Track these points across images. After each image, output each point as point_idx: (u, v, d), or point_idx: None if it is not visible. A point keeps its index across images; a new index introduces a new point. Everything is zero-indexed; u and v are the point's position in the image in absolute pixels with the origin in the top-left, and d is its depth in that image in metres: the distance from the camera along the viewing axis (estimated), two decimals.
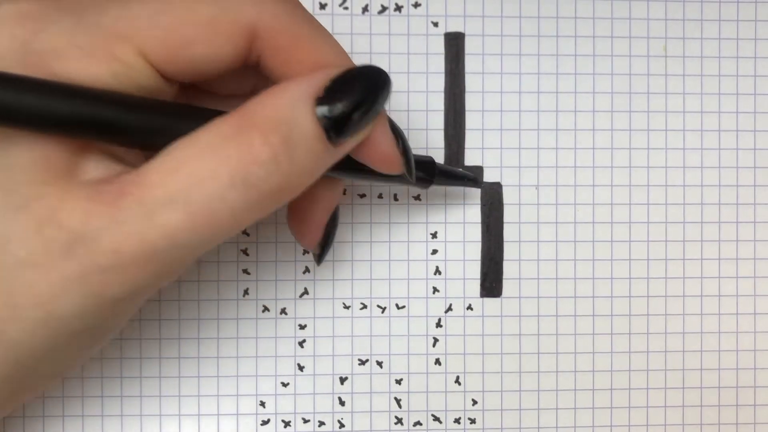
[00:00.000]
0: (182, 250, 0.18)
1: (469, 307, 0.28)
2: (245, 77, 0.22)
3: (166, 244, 0.17)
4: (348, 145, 0.19)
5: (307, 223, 0.23)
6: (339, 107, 0.18)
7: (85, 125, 0.17)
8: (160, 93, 0.19)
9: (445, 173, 0.25)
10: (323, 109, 0.18)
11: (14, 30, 0.17)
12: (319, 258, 0.25)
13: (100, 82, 0.18)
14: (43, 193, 0.17)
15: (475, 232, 0.28)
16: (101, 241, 0.17)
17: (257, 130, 0.17)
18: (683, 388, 0.29)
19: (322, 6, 0.28)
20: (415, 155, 0.23)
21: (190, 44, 0.18)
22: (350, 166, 0.21)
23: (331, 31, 0.27)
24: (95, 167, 0.18)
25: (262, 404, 0.28)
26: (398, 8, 0.28)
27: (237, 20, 0.19)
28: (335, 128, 0.18)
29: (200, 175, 0.17)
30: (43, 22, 0.17)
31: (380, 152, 0.20)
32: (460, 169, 0.27)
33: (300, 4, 0.20)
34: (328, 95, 0.18)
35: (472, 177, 0.27)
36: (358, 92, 0.19)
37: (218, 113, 0.19)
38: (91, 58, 0.17)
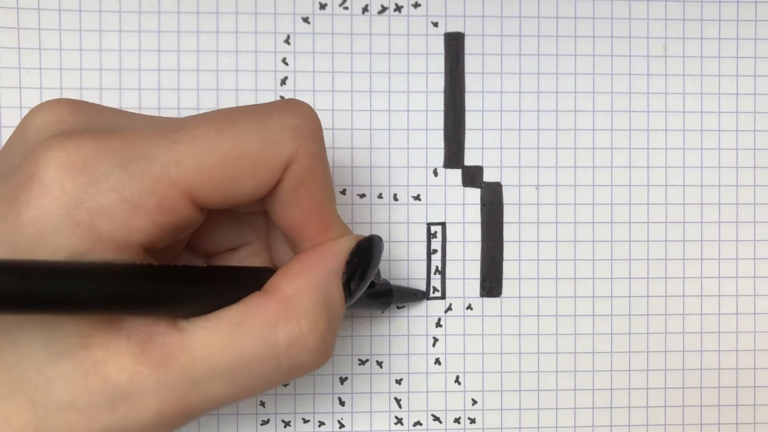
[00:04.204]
0: (219, 408, 0.20)
1: (469, 307, 0.28)
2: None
3: (207, 409, 0.19)
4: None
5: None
6: (355, 277, 0.21)
7: (113, 306, 0.17)
8: (192, 222, 0.19)
9: (399, 295, 0.27)
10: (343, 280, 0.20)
11: (65, 182, 0.17)
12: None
13: (141, 233, 0.18)
14: (87, 344, 0.18)
15: (475, 232, 0.28)
16: (147, 402, 0.18)
17: (306, 320, 0.19)
18: (683, 388, 0.29)
19: (322, 6, 0.28)
20: (375, 287, 0.26)
21: (235, 180, 0.18)
22: None
23: (331, 31, 0.28)
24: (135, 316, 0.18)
25: (262, 404, 0.28)
26: (398, 8, 0.28)
27: (279, 155, 0.19)
28: (349, 291, 0.21)
29: (247, 356, 0.18)
30: (93, 174, 0.17)
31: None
32: (411, 287, 0.28)
33: (324, 148, 0.20)
34: (347, 268, 0.20)
35: (421, 293, 0.28)
36: (367, 261, 0.21)
37: (237, 272, 0.20)
38: (137, 211, 0.17)
